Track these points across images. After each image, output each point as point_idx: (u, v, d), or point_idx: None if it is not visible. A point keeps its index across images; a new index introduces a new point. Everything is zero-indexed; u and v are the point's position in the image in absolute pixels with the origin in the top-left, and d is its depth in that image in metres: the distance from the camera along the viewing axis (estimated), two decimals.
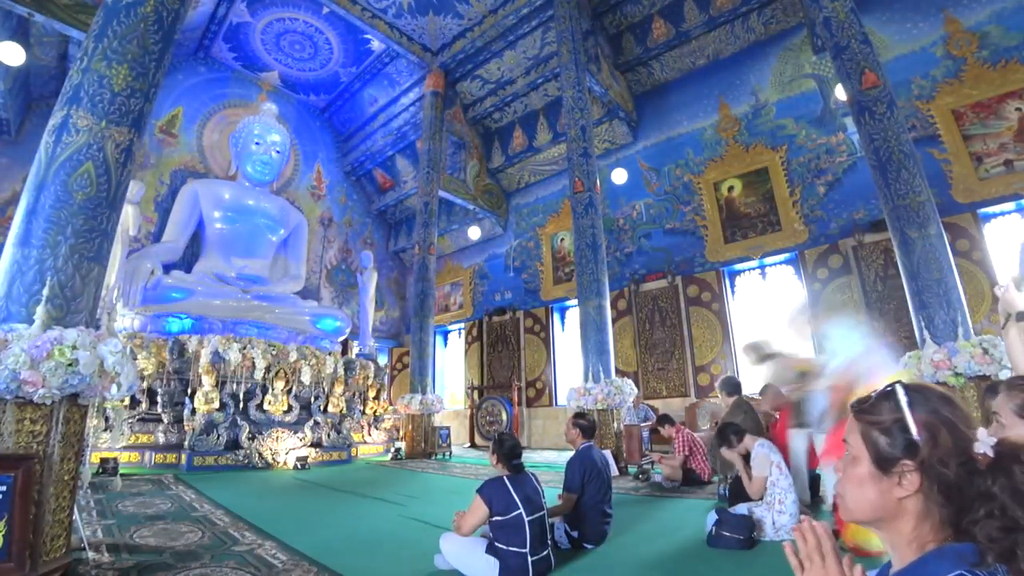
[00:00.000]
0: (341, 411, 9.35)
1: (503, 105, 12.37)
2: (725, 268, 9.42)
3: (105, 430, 5.72)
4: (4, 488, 2.26)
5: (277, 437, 7.77)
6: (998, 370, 4.00)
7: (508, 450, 2.76)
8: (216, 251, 10.96)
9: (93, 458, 5.76)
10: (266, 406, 8.18)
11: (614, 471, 5.95)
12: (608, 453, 5.49)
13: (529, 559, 2.51)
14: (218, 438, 7.34)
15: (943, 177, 7.22)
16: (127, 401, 7.40)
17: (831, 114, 8.56)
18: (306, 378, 8.64)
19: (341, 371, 9.57)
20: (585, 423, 3.57)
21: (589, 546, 3.17)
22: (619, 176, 10.23)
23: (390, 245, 15.86)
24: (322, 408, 8.94)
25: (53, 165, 2.88)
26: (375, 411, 10.56)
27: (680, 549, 3.14)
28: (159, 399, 7.70)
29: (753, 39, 9.57)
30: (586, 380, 6.88)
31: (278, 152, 11.79)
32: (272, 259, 11.90)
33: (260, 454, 7.53)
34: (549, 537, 2.77)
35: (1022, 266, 2.36)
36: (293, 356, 8.64)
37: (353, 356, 10.78)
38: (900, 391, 0.79)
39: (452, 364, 14.75)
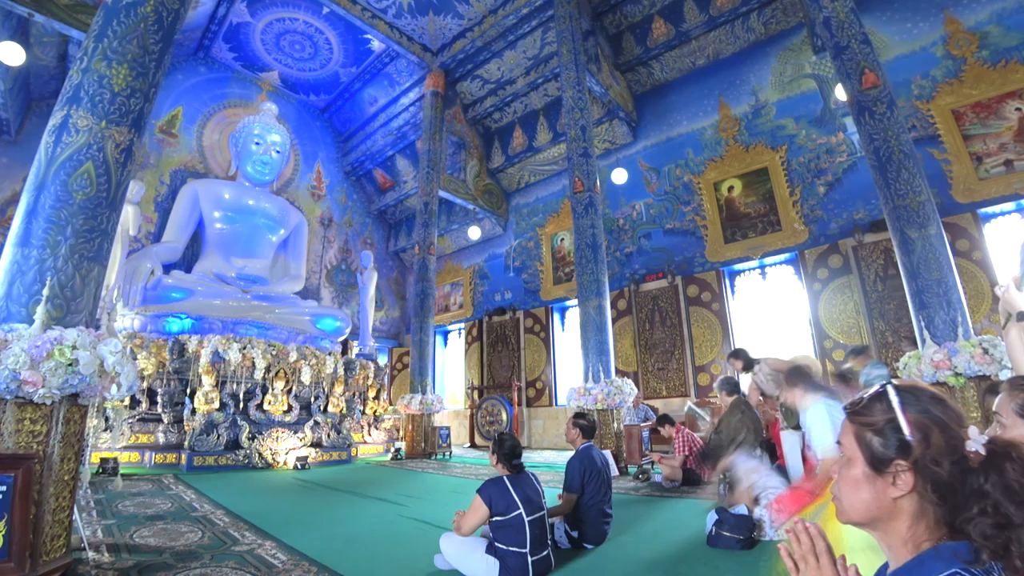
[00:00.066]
0: (341, 411, 9.35)
1: (503, 105, 12.38)
2: (725, 268, 9.42)
3: (105, 430, 5.72)
4: (4, 488, 2.27)
5: (277, 437, 7.78)
6: (998, 370, 4.00)
7: (508, 450, 2.76)
8: (216, 251, 10.96)
9: (93, 458, 5.77)
10: (266, 406, 8.18)
11: (614, 471, 5.95)
12: (608, 453, 5.49)
13: (529, 559, 2.51)
14: (218, 438, 7.35)
15: (943, 177, 7.22)
16: (127, 401, 7.41)
17: (831, 114, 8.56)
18: (306, 378, 8.65)
19: (341, 371, 9.57)
20: (585, 423, 3.57)
21: (589, 546, 3.18)
22: (619, 176, 10.23)
23: (390, 245, 15.86)
24: (322, 408, 8.95)
25: (53, 165, 2.89)
26: (375, 411, 10.56)
27: (680, 549, 3.14)
28: (159, 399, 7.70)
29: (753, 39, 9.57)
30: (586, 380, 6.88)
31: (278, 152, 11.80)
32: (272, 259, 11.91)
33: (260, 454, 7.54)
34: (549, 537, 2.77)
35: (1023, 266, 2.36)
36: (293, 356, 8.65)
37: (353, 356, 10.78)
38: (892, 392, 0.79)
39: (452, 364, 14.76)
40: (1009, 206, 6.94)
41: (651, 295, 10.05)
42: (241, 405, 7.94)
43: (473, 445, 11.48)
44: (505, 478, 2.68)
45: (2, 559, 2.22)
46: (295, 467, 7.47)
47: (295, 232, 12.43)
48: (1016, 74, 6.93)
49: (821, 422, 2.27)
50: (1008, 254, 6.66)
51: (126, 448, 7.10)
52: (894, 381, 0.83)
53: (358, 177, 15.27)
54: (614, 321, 9.34)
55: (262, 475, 6.83)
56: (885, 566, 0.82)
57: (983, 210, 6.96)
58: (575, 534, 3.19)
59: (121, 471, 5.96)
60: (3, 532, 2.24)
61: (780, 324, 8.92)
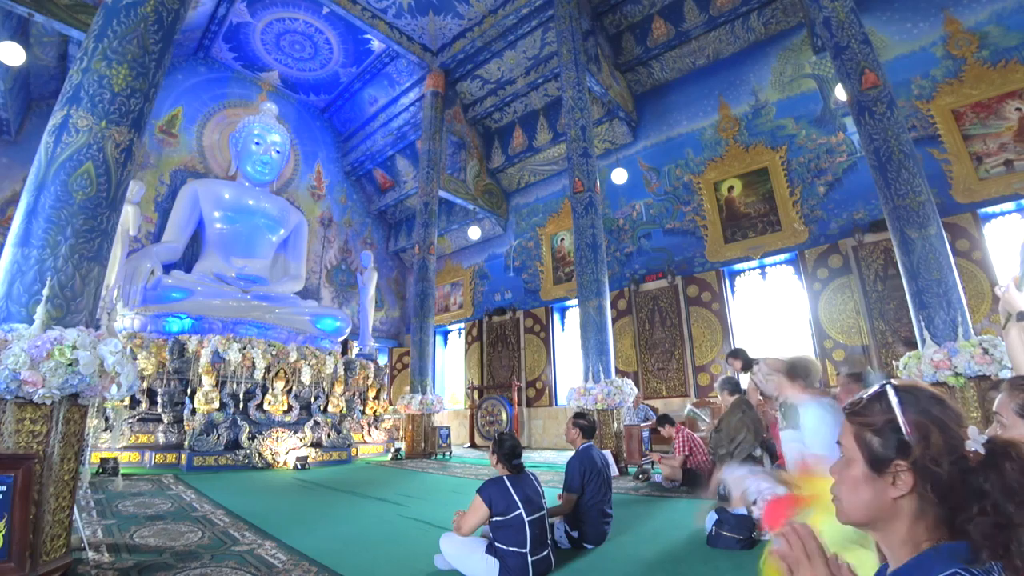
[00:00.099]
0: (341, 411, 9.35)
1: (503, 105, 12.38)
2: (725, 268, 9.42)
3: (105, 430, 5.72)
4: (4, 488, 2.27)
5: (277, 437, 7.78)
6: (998, 370, 4.00)
7: (508, 450, 2.76)
8: (216, 251, 10.96)
9: (93, 458, 5.77)
10: (266, 406, 8.18)
11: (614, 471, 5.95)
12: (608, 453, 5.49)
13: (529, 559, 2.51)
14: (218, 438, 7.35)
15: (943, 177, 7.22)
16: (127, 401, 7.41)
17: (831, 114, 8.56)
18: (306, 378, 8.65)
19: (341, 371, 9.57)
20: (585, 423, 3.57)
21: (589, 546, 3.18)
22: (619, 176, 10.23)
23: (390, 245, 15.86)
24: (322, 408, 8.95)
25: (53, 165, 2.89)
26: (375, 411, 10.57)
27: (680, 549, 3.14)
28: (159, 399, 7.71)
29: (753, 39, 9.57)
30: (586, 380, 6.88)
31: (278, 152, 11.80)
32: (272, 259, 11.92)
33: (260, 454, 7.54)
34: (549, 537, 2.77)
35: (1022, 266, 2.36)
36: (293, 356, 8.65)
37: (353, 356, 10.79)
38: (891, 392, 0.79)
39: (452, 364, 14.76)
40: (1009, 206, 6.94)
41: (651, 295, 10.05)
42: (241, 405, 7.94)
43: (473, 445, 11.48)
44: (505, 478, 2.68)
45: (2, 559, 2.22)
46: (295, 467, 7.47)
47: (295, 232, 12.43)
48: (1016, 74, 6.93)
49: (819, 419, 2.26)
50: (1008, 254, 6.66)
51: (126, 448, 7.11)
52: (893, 381, 0.83)
53: (358, 177, 15.27)
54: (614, 321, 9.34)
55: (262, 475, 6.83)
56: (885, 567, 0.82)
57: (983, 210, 6.96)
58: (575, 534, 3.19)
59: (121, 471, 5.96)
60: (3, 532, 2.24)
61: (780, 324, 8.91)
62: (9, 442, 2.43)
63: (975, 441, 0.71)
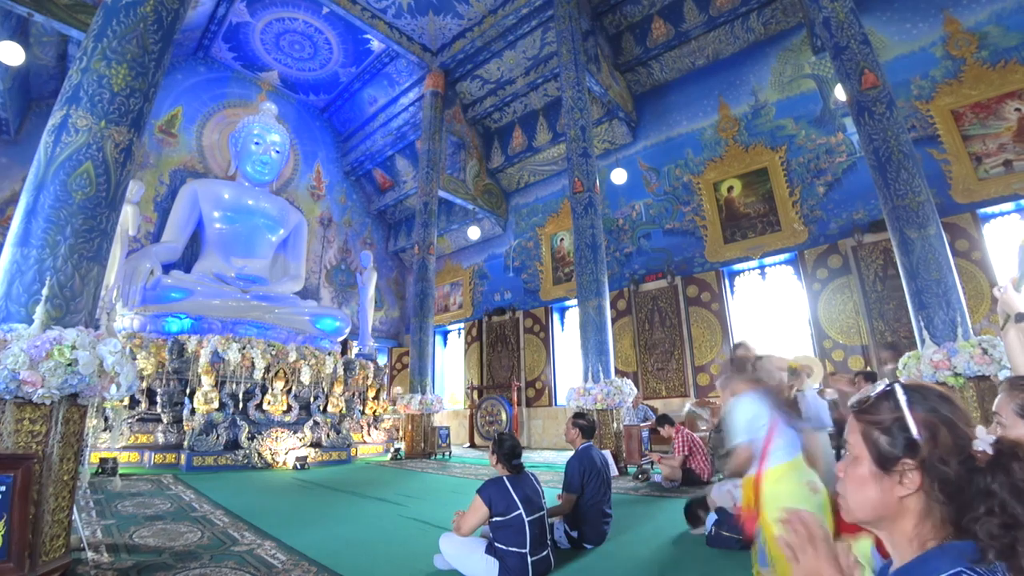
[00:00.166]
0: (341, 411, 9.35)
1: (503, 105, 12.38)
2: (725, 268, 9.43)
3: (104, 430, 5.72)
4: (3, 488, 2.26)
5: (276, 437, 7.77)
6: (998, 370, 4.01)
7: (508, 450, 2.76)
8: (216, 251, 10.96)
9: (92, 458, 5.77)
10: (265, 406, 8.18)
11: (614, 471, 5.95)
12: (608, 453, 5.49)
13: (529, 559, 2.51)
14: (217, 438, 7.34)
15: (943, 177, 7.23)
16: (126, 401, 7.40)
17: (831, 114, 8.57)
18: (305, 378, 8.64)
19: (341, 371, 9.57)
20: (585, 423, 3.57)
21: (589, 546, 3.17)
22: (619, 176, 10.23)
23: (390, 245, 15.86)
24: (322, 408, 8.94)
25: (52, 165, 2.88)
26: (375, 411, 10.56)
27: (680, 549, 3.14)
28: (158, 399, 7.70)
29: (753, 39, 9.57)
30: (586, 380, 6.88)
31: (277, 152, 11.79)
32: (272, 259, 11.91)
33: (259, 454, 7.53)
34: (549, 537, 2.77)
35: (1020, 267, 2.36)
36: (292, 356, 8.64)
37: (353, 356, 10.78)
38: (899, 390, 0.79)
39: (452, 364, 14.75)
40: (1008, 206, 6.95)
41: (651, 295, 10.05)
42: (240, 405, 7.94)
43: (473, 445, 11.48)
44: (505, 478, 2.68)
45: (1, 559, 2.22)
46: (294, 467, 7.46)
47: (295, 232, 12.43)
48: (1015, 74, 6.94)
49: (742, 408, 2.19)
50: (1007, 255, 6.67)
51: (125, 448, 7.10)
52: (901, 380, 0.83)
53: (358, 177, 15.26)
54: (614, 321, 9.33)
55: (261, 475, 6.82)
56: (888, 564, 0.82)
57: (982, 210, 6.97)
58: (575, 534, 3.19)
59: (120, 471, 5.96)
60: (2, 532, 2.23)
61: (779, 324, 8.92)
62: (8, 442, 2.42)
63: (983, 441, 0.71)
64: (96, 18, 3.33)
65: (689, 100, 10.41)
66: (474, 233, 13.36)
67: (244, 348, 8.10)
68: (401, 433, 9.79)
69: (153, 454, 7.11)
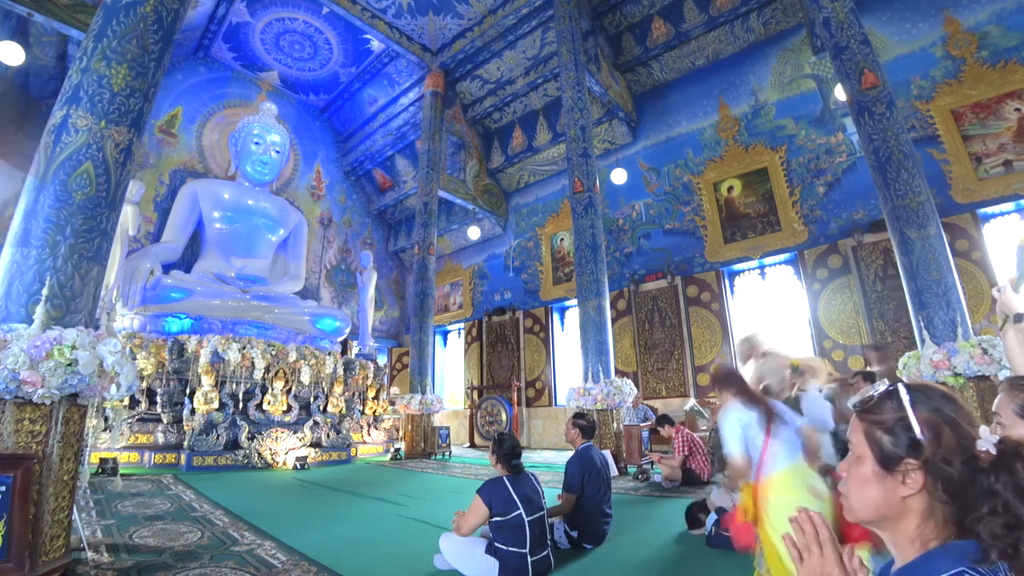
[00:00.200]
0: (340, 411, 9.34)
1: (503, 105, 12.38)
2: (724, 268, 9.43)
3: (104, 430, 5.72)
4: (3, 488, 2.26)
5: (276, 437, 7.77)
6: (998, 370, 4.01)
7: (508, 450, 2.76)
8: (216, 251, 10.96)
9: (92, 458, 5.77)
10: (265, 406, 8.17)
11: (614, 471, 5.95)
12: (608, 453, 5.49)
13: (529, 559, 2.51)
14: (217, 438, 7.34)
15: (942, 177, 7.23)
16: (126, 401, 7.40)
17: (831, 114, 8.57)
18: (305, 378, 8.64)
19: (340, 371, 9.57)
20: (585, 423, 3.57)
21: (589, 546, 3.17)
22: (619, 176, 10.23)
23: (390, 245, 15.86)
24: (321, 408, 8.94)
25: (52, 165, 2.88)
26: (375, 411, 10.56)
27: (680, 549, 3.14)
28: (158, 399, 7.70)
29: (753, 39, 9.57)
30: (586, 380, 6.88)
31: (277, 152, 11.79)
32: (272, 259, 11.91)
33: (259, 454, 7.53)
34: (549, 537, 2.77)
35: (1019, 267, 2.36)
36: (292, 356, 8.64)
37: (353, 356, 10.78)
38: (903, 390, 0.79)
39: (452, 364, 14.75)
40: (1008, 206, 6.95)
41: (651, 295, 10.05)
42: (240, 405, 7.93)
43: (473, 445, 11.48)
44: (505, 478, 2.68)
45: (1, 559, 2.21)
46: (294, 467, 7.46)
47: (295, 232, 12.43)
48: (1015, 74, 6.94)
49: (734, 418, 2.20)
50: (1006, 254, 6.67)
51: (125, 448, 7.09)
52: (904, 380, 0.83)
53: (358, 177, 15.26)
54: (614, 321, 9.33)
55: (261, 475, 6.82)
56: (891, 563, 0.82)
57: (982, 210, 6.97)
58: (575, 534, 3.18)
59: (120, 471, 5.96)
60: (2, 532, 2.23)
61: (780, 324, 8.91)
62: (8, 442, 2.42)
63: (987, 441, 0.71)
64: (96, 18, 3.32)
65: (689, 100, 10.41)
66: (474, 233, 13.36)
67: (244, 348, 8.10)
68: (401, 433, 9.79)
69: (153, 454, 7.10)
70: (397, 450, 9.12)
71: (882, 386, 0.82)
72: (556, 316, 12.19)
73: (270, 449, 7.62)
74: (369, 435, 10.01)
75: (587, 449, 3.45)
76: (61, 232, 2.78)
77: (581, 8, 9.45)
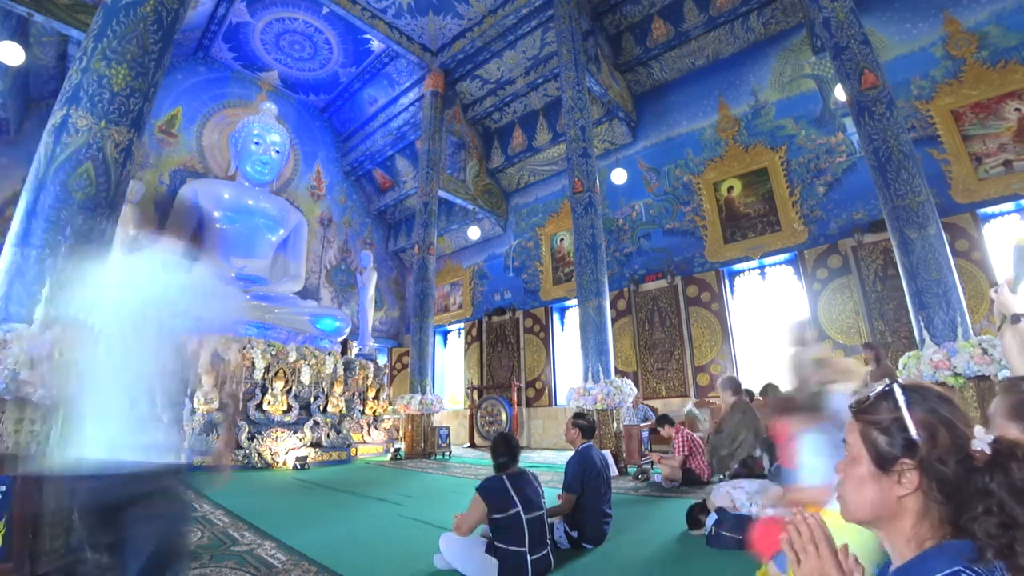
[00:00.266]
0: (340, 411, 9.35)
1: (503, 105, 12.38)
2: (724, 268, 9.43)
3: None
4: (3, 488, 2.26)
5: (276, 437, 7.77)
6: (997, 370, 4.01)
7: (501, 452, 2.78)
8: (216, 251, 10.96)
9: None
10: (265, 406, 8.18)
11: (614, 471, 5.95)
12: (608, 453, 5.49)
13: (528, 558, 2.51)
14: (217, 438, 7.34)
15: (942, 177, 7.22)
16: None
17: (831, 114, 8.57)
18: (305, 378, 8.65)
19: (340, 371, 9.57)
20: (585, 423, 3.57)
21: (589, 546, 3.18)
22: (619, 176, 10.23)
23: (390, 245, 15.86)
24: (321, 408, 8.94)
25: (53, 165, 2.89)
26: (375, 411, 10.56)
27: (680, 549, 3.14)
28: None
29: (753, 39, 9.57)
30: (586, 380, 6.88)
31: (277, 152, 11.80)
32: (272, 259, 11.91)
33: (259, 454, 7.53)
34: (548, 537, 2.77)
35: (1016, 268, 2.36)
36: (292, 356, 8.65)
37: (353, 356, 10.78)
38: (898, 391, 0.79)
39: (452, 364, 14.75)
40: (1008, 206, 6.95)
41: (651, 295, 10.05)
42: (240, 405, 7.94)
43: (473, 445, 11.48)
44: (504, 477, 2.69)
45: (1, 559, 2.22)
46: (294, 467, 7.46)
47: (294, 232, 12.43)
48: (1015, 74, 6.93)
49: (814, 452, 2.20)
50: (1005, 255, 6.66)
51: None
52: (900, 380, 0.83)
53: (358, 177, 15.26)
54: (614, 321, 9.33)
55: (261, 475, 6.82)
56: (887, 564, 0.82)
57: (982, 210, 6.97)
58: (575, 534, 3.19)
59: None
60: (2, 532, 2.24)
61: (780, 325, 8.91)
62: (9, 442, 2.42)
63: (982, 441, 0.71)
64: (96, 18, 3.33)
65: (689, 100, 10.41)
66: (474, 233, 13.36)
67: (244, 348, 8.10)
68: (401, 433, 9.79)
69: None
70: (397, 450, 9.12)
71: (879, 386, 0.82)
72: (556, 316, 12.19)
73: (270, 449, 7.63)
74: (369, 435, 10.01)
75: (587, 449, 3.45)
76: (61, 232, 2.78)
77: (581, 8, 9.45)
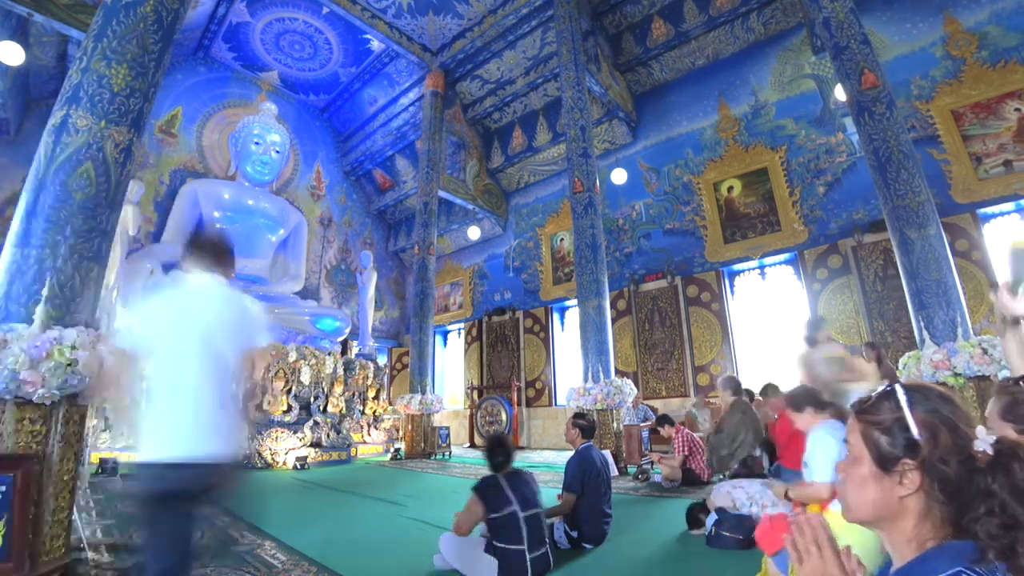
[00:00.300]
0: (340, 411, 9.35)
1: (503, 105, 12.38)
2: (725, 268, 9.43)
3: (105, 430, 5.72)
4: (4, 488, 2.26)
5: (276, 437, 7.77)
6: (998, 370, 4.00)
7: (491, 450, 2.80)
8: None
9: (92, 458, 5.77)
10: (265, 406, 8.18)
11: (614, 471, 5.95)
12: (608, 453, 5.49)
13: (527, 556, 2.51)
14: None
15: (942, 177, 7.22)
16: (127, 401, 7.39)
17: (831, 114, 8.57)
18: (305, 378, 8.65)
19: (340, 371, 9.57)
20: (585, 423, 3.57)
21: (588, 546, 3.18)
22: (619, 176, 10.23)
23: (390, 245, 15.86)
24: (321, 408, 8.95)
25: (52, 165, 2.88)
26: (375, 411, 10.56)
27: (680, 549, 3.14)
28: None
29: (753, 39, 9.57)
30: (586, 380, 6.88)
31: (277, 152, 11.80)
32: (272, 259, 11.91)
33: (259, 454, 7.53)
34: (548, 537, 2.77)
35: (1013, 270, 2.36)
36: (292, 356, 8.65)
37: (352, 356, 10.78)
38: (900, 391, 0.79)
39: (452, 364, 14.75)
40: (1008, 206, 6.95)
41: (651, 295, 10.05)
42: (240, 405, 7.93)
43: (473, 445, 11.48)
44: (500, 476, 2.69)
45: (1, 559, 2.22)
46: (294, 467, 7.46)
47: (294, 232, 12.43)
48: (1015, 74, 6.93)
49: (825, 449, 2.21)
50: (1002, 258, 6.66)
51: (126, 448, 7.09)
52: (902, 380, 0.83)
53: (358, 177, 15.26)
54: (614, 321, 9.33)
55: (261, 475, 6.82)
56: (889, 564, 0.82)
57: (982, 210, 6.97)
58: (575, 534, 3.19)
59: (120, 471, 5.96)
60: (2, 532, 2.24)
61: (779, 324, 8.92)
62: (9, 442, 2.42)
63: (983, 441, 0.71)
64: (96, 18, 3.33)
65: (689, 100, 10.41)
66: (474, 233, 13.36)
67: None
68: (401, 433, 9.79)
69: None
70: (397, 450, 9.12)
71: (880, 386, 0.82)
72: (556, 316, 12.19)
73: (270, 449, 7.63)
74: (369, 435, 10.01)
75: (587, 449, 3.45)
76: (61, 232, 2.78)
77: (581, 8, 9.45)
